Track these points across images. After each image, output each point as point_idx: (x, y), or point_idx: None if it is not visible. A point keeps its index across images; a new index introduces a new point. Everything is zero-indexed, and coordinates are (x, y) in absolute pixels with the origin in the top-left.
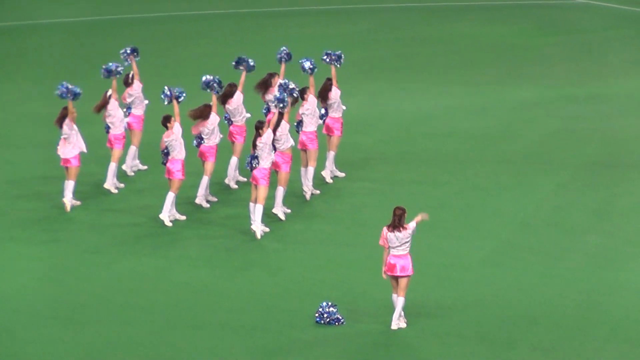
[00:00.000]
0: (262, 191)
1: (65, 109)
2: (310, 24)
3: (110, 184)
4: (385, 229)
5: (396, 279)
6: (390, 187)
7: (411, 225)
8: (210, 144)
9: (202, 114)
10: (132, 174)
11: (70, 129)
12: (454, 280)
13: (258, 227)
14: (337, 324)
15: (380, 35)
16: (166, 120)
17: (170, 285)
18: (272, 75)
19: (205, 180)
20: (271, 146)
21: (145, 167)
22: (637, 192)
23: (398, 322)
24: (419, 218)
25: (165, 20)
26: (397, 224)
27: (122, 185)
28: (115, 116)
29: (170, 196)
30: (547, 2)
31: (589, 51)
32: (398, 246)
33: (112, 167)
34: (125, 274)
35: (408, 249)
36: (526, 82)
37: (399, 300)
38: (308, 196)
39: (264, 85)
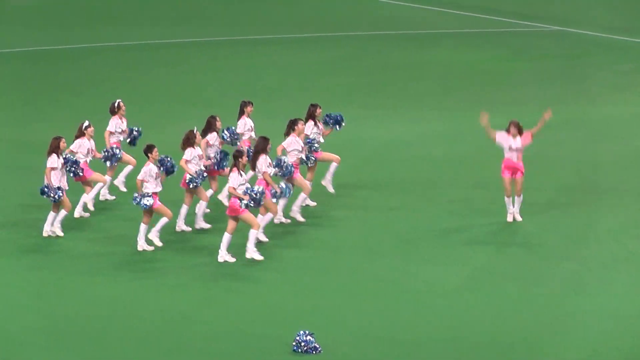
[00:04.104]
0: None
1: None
2: (284, 51)
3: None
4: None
5: (512, 180)
6: (364, 214)
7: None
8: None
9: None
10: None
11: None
12: (429, 306)
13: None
14: (314, 352)
15: (354, 62)
16: (149, 150)
17: (146, 311)
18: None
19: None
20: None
21: (114, 197)
22: (613, 217)
23: (516, 215)
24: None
25: (137, 47)
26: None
27: (87, 214)
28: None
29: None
30: (520, 30)
31: (563, 77)
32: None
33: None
34: (101, 300)
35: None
36: (499, 108)
37: (517, 199)
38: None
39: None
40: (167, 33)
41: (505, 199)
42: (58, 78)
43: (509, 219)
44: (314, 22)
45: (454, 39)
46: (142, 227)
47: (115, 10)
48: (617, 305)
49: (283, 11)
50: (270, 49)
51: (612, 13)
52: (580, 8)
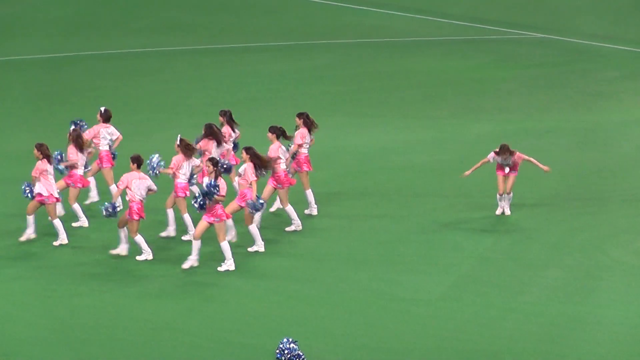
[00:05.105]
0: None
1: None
2: (269, 60)
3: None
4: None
5: (505, 178)
6: (348, 222)
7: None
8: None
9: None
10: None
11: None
12: (414, 315)
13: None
14: None
15: (339, 70)
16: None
17: (130, 321)
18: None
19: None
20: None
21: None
22: (596, 226)
23: (506, 209)
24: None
25: (121, 56)
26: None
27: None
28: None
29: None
30: (504, 37)
31: (547, 85)
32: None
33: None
34: (85, 310)
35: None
36: (484, 116)
37: (507, 195)
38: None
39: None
40: (151, 42)
41: (498, 195)
42: (41, 87)
43: (498, 212)
44: (298, 31)
45: (438, 47)
46: (138, 238)
47: (99, 19)
48: (601, 313)
49: (267, 19)
50: (254, 57)
51: (596, 21)
52: (564, 16)
